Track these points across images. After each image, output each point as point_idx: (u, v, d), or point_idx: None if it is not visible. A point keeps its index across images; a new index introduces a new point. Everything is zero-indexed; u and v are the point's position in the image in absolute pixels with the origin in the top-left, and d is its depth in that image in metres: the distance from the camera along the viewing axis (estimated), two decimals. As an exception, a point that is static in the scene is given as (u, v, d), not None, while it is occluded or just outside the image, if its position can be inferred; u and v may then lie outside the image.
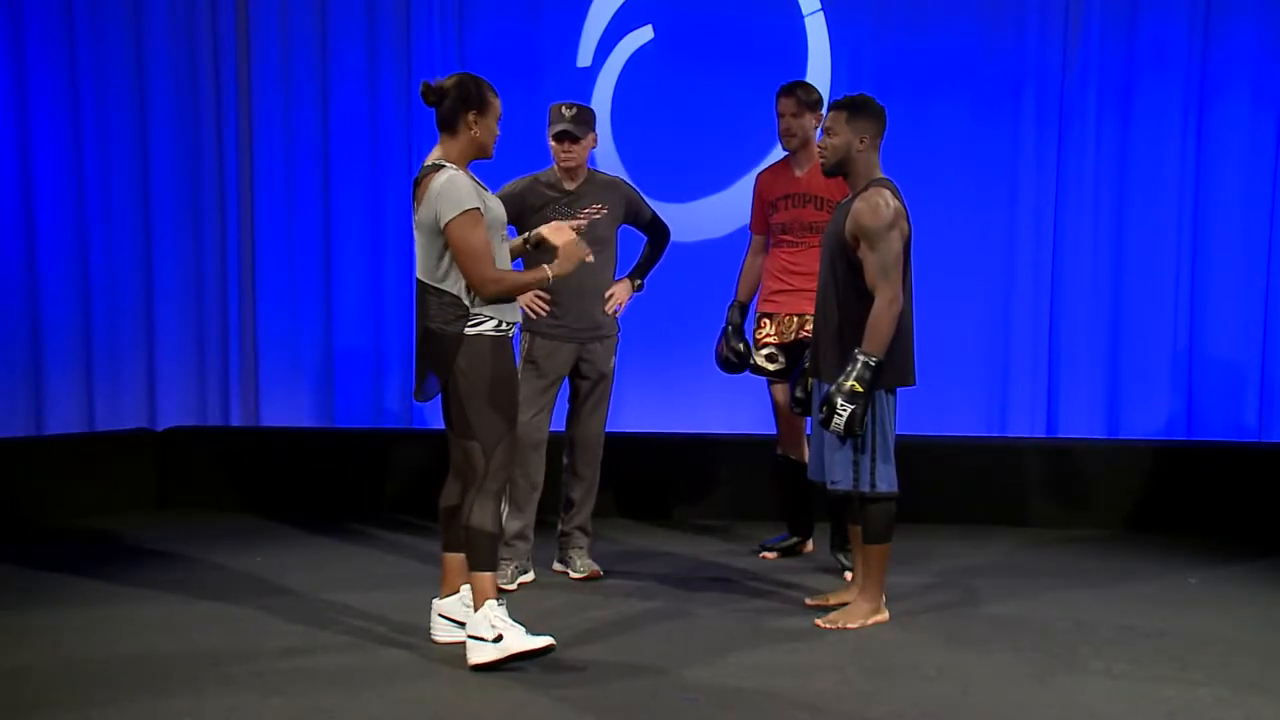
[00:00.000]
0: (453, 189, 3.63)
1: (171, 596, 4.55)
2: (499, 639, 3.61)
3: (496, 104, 3.78)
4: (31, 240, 6.44)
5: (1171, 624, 4.20)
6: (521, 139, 5.92)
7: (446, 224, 3.62)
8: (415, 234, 3.77)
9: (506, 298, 3.72)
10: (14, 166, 6.39)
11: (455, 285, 3.69)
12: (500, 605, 3.67)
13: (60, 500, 6.06)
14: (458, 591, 3.91)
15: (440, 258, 3.69)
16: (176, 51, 6.59)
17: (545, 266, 3.76)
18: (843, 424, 3.97)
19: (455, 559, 3.90)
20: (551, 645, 3.65)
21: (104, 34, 6.50)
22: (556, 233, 3.87)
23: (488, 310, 3.70)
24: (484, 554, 3.71)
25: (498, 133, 3.80)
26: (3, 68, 6.35)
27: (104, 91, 6.53)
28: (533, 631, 3.66)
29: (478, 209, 3.64)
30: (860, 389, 3.96)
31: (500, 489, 3.76)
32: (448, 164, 3.71)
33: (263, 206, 6.67)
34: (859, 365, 3.97)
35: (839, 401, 3.96)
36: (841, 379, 3.98)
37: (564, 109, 4.70)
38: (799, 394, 4.45)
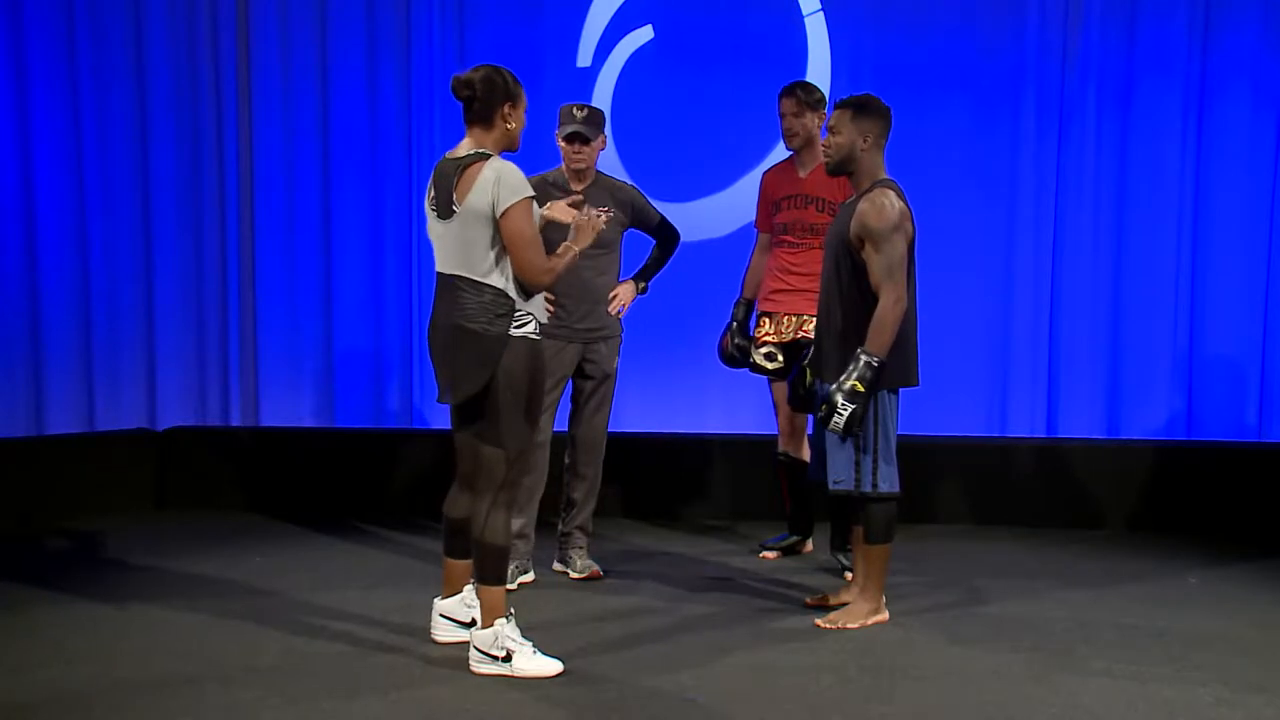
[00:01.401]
0: (511, 175, 3.55)
1: (171, 596, 4.55)
2: (509, 657, 3.59)
3: (524, 96, 3.74)
4: (32, 240, 6.44)
5: (1171, 624, 4.20)
6: (522, 139, 5.91)
7: (505, 210, 3.52)
8: (444, 228, 3.60)
9: (553, 285, 3.71)
10: (14, 167, 6.39)
11: (500, 279, 3.57)
12: (511, 621, 3.62)
13: (60, 500, 6.05)
14: (460, 592, 3.90)
15: (489, 249, 3.56)
16: (176, 52, 6.59)
17: (570, 243, 3.71)
18: (843, 423, 3.96)
19: (458, 563, 3.87)
20: (560, 672, 3.58)
21: (104, 34, 6.50)
22: (562, 212, 3.87)
23: (530, 309, 3.64)
24: (494, 568, 3.63)
25: (525, 124, 3.77)
26: (3, 68, 6.34)
27: (104, 92, 6.53)
28: (541, 648, 3.63)
29: (533, 197, 3.60)
30: (862, 388, 3.95)
31: (513, 500, 3.70)
32: (494, 153, 3.62)
33: (263, 206, 6.67)
34: (861, 365, 3.97)
35: (839, 400, 3.96)
36: (843, 378, 3.98)
37: (575, 110, 4.69)
38: (800, 391, 4.44)
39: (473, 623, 3.76)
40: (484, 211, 3.54)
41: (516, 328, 3.61)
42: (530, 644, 3.62)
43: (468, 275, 3.59)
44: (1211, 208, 6.16)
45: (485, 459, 3.64)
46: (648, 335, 5.85)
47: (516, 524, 4.73)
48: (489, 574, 3.62)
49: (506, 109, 3.65)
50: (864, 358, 3.97)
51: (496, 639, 3.60)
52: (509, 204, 3.52)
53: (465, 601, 3.88)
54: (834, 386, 4.00)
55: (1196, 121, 6.14)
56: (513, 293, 3.59)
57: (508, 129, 3.67)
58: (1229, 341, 6.17)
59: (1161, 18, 6.13)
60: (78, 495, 6.12)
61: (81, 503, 6.11)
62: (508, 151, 3.73)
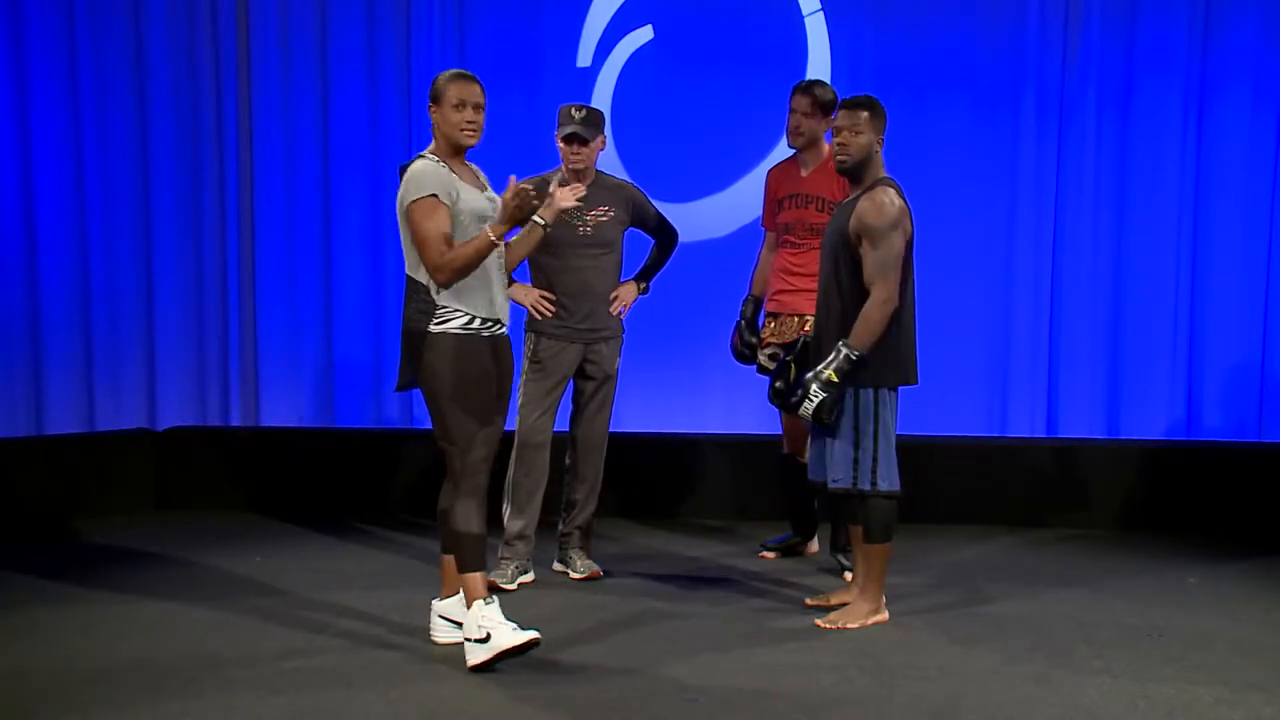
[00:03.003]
0: (417, 174, 3.68)
1: (171, 597, 4.55)
2: (487, 638, 3.60)
3: (449, 90, 3.72)
4: (32, 240, 6.43)
5: (1172, 624, 4.20)
6: (522, 139, 5.92)
7: (407, 207, 3.67)
8: None
9: (462, 276, 3.65)
10: (15, 167, 6.38)
11: (423, 275, 3.70)
12: (489, 604, 3.65)
13: (60, 500, 6.06)
14: (458, 593, 3.90)
15: (411, 245, 3.71)
16: (176, 52, 6.58)
17: (487, 227, 3.67)
18: (811, 410, 4.01)
19: (452, 560, 3.89)
20: (536, 639, 3.62)
21: (104, 34, 6.49)
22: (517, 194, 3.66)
23: (458, 305, 3.68)
24: (467, 555, 3.71)
25: (459, 119, 3.71)
26: (3, 68, 6.34)
27: (104, 93, 6.52)
28: (525, 629, 3.64)
29: (434, 195, 3.64)
30: (835, 380, 3.98)
31: (478, 488, 3.73)
32: (428, 155, 3.76)
33: (263, 206, 6.67)
34: (840, 357, 4.00)
35: (813, 388, 4.00)
36: (820, 366, 4.02)
37: (573, 111, 4.69)
38: (779, 385, 4.43)
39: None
40: (401, 209, 3.71)
41: (438, 324, 3.68)
42: (510, 624, 3.63)
43: (407, 271, 3.75)
44: (1211, 208, 6.15)
45: (445, 453, 3.76)
46: (648, 335, 5.85)
47: (517, 524, 4.74)
48: (462, 561, 3.71)
49: (431, 111, 3.77)
50: (844, 350, 4.00)
51: (475, 620, 3.63)
52: (409, 201, 3.67)
53: (463, 602, 3.87)
54: (810, 374, 4.02)
55: (1196, 121, 6.14)
56: (433, 292, 3.69)
57: (442, 129, 3.75)
58: (1229, 341, 6.16)
59: (1161, 18, 6.12)
60: (78, 495, 6.12)
61: (81, 503, 6.11)
62: (460, 147, 3.75)
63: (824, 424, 4.04)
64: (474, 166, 3.89)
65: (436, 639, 3.92)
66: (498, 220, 3.69)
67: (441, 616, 3.93)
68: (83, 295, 6.54)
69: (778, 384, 4.42)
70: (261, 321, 6.71)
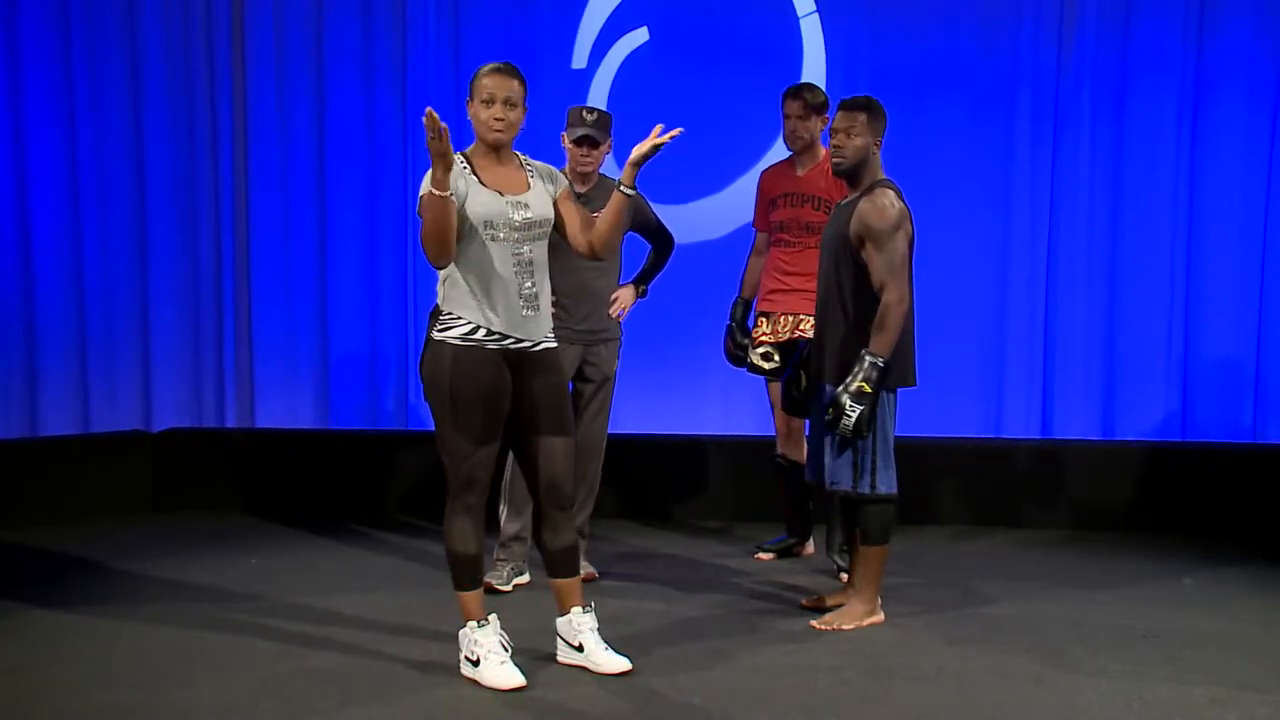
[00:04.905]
0: (428, 174, 3.45)
1: (167, 598, 4.55)
2: (478, 662, 3.55)
3: (481, 84, 3.55)
4: (27, 241, 6.42)
5: (1168, 624, 4.21)
6: (519, 140, 5.89)
7: None
8: None
9: (434, 244, 3.38)
10: (10, 167, 6.37)
11: (441, 277, 3.57)
12: (482, 627, 3.58)
13: (56, 501, 6.05)
14: (567, 612, 3.75)
15: None
16: (172, 52, 6.57)
17: (426, 176, 3.38)
18: (851, 425, 3.96)
19: (553, 582, 3.78)
20: (521, 687, 3.48)
21: (99, 36, 6.48)
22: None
23: (460, 311, 3.52)
24: (458, 574, 3.60)
25: (487, 116, 3.55)
26: (-2, 68, 6.35)
27: (99, 93, 6.51)
28: (516, 654, 3.60)
29: (430, 193, 3.39)
30: (868, 389, 3.96)
31: (470, 507, 3.56)
32: (459, 152, 3.58)
33: (258, 207, 6.66)
34: (866, 365, 3.97)
35: (846, 402, 3.96)
36: (849, 380, 3.98)
37: (585, 113, 4.69)
38: (794, 393, 4.44)
39: (579, 647, 3.70)
40: None
41: (440, 330, 3.54)
42: (503, 652, 3.55)
43: None
44: (1206, 208, 6.16)
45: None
46: (645, 336, 5.85)
47: (513, 526, 4.74)
48: (454, 578, 3.62)
49: (467, 106, 3.63)
50: (869, 358, 3.98)
51: (468, 644, 3.58)
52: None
53: (572, 624, 3.74)
54: (839, 389, 3.99)
55: (1191, 123, 6.14)
56: (443, 293, 3.56)
57: (473, 125, 3.61)
58: (1224, 342, 6.17)
59: (1156, 19, 6.12)
60: (73, 497, 6.12)
61: (77, 504, 6.10)
62: (489, 143, 3.60)
63: (863, 436, 4.01)
64: (529, 164, 3.71)
65: (558, 659, 3.79)
66: (432, 174, 3.35)
67: (558, 636, 3.78)
68: (78, 296, 6.53)
69: (794, 393, 4.42)
70: (257, 323, 6.70)
